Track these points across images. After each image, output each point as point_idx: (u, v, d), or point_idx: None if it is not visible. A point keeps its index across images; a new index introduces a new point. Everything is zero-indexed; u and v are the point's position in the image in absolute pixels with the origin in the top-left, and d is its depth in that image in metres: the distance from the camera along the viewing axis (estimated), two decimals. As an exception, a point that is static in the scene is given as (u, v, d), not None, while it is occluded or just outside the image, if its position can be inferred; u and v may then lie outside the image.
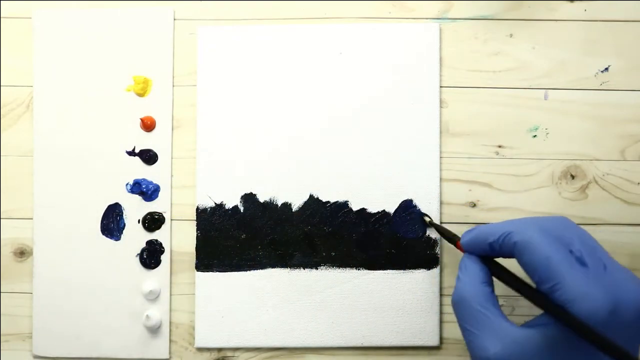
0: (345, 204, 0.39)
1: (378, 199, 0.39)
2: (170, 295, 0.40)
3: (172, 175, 0.40)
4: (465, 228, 0.39)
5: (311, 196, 0.39)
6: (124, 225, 0.40)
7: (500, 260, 0.32)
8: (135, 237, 0.40)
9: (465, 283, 0.31)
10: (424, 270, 0.39)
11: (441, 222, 0.39)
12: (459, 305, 0.31)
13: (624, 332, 0.27)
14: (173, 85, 0.40)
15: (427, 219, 0.38)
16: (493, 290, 0.31)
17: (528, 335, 0.28)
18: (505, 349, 0.28)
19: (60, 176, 0.40)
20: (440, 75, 0.39)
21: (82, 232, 0.40)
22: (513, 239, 0.30)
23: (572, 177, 0.39)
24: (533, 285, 0.29)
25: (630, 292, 0.27)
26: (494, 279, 0.32)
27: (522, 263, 0.29)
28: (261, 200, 0.39)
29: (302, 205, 0.39)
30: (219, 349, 0.39)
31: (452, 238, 0.35)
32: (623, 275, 0.28)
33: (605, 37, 0.39)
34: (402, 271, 0.39)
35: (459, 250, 0.33)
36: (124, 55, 0.40)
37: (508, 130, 0.39)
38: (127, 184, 0.40)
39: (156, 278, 0.39)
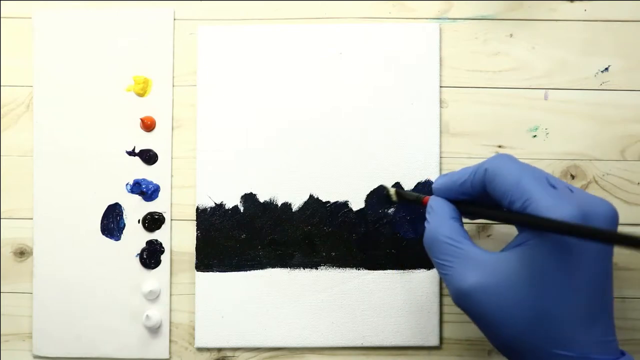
0: (345, 204, 0.39)
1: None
2: (170, 295, 0.40)
3: (172, 175, 0.40)
4: (466, 228, 0.39)
5: (311, 196, 0.39)
6: (124, 225, 0.40)
7: None
8: (135, 237, 0.40)
9: (434, 222, 0.32)
10: (424, 270, 0.39)
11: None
12: (432, 243, 0.31)
13: (597, 245, 0.28)
14: (173, 85, 0.40)
15: (391, 190, 0.37)
16: (462, 225, 0.32)
17: (504, 258, 0.29)
18: (485, 275, 0.29)
19: (60, 176, 0.40)
20: (440, 75, 0.39)
21: (82, 232, 0.40)
22: (484, 166, 0.31)
23: (572, 177, 0.39)
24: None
25: (597, 206, 0.28)
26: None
27: (493, 188, 0.30)
28: (261, 200, 0.39)
29: (302, 205, 0.39)
30: (219, 349, 0.39)
31: (417, 199, 0.35)
32: (589, 197, 0.29)
33: (605, 37, 0.39)
34: (402, 271, 0.39)
35: None
36: (124, 55, 0.40)
37: (508, 130, 0.39)
38: (127, 184, 0.40)
39: (156, 278, 0.39)
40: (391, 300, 0.39)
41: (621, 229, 0.39)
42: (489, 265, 0.29)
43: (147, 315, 0.38)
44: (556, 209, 0.27)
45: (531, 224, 0.28)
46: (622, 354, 0.29)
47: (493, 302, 0.28)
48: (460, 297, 0.30)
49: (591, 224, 0.27)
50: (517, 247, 0.29)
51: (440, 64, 0.39)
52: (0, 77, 0.40)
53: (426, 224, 0.32)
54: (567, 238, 0.27)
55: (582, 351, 0.27)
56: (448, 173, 0.33)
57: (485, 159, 0.31)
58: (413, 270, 0.39)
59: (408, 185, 0.39)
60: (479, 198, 0.32)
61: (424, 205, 0.33)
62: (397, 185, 0.39)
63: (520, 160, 0.39)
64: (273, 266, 0.39)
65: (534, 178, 0.29)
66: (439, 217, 0.32)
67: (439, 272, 0.31)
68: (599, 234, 0.25)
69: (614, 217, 0.29)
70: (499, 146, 0.39)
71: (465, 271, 0.29)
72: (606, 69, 0.39)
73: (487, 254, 0.29)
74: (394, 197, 0.37)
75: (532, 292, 0.27)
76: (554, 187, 0.29)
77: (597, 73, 0.39)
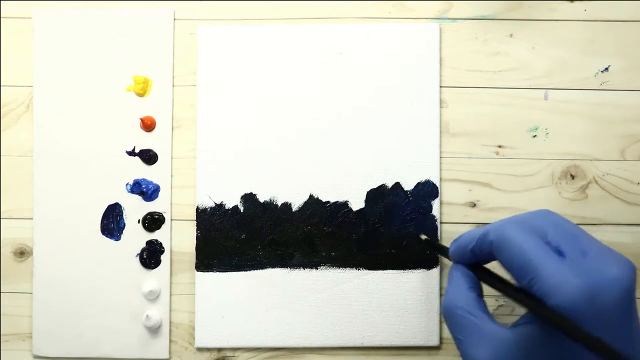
0: (345, 204, 0.39)
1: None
2: (170, 295, 0.40)
3: (172, 175, 0.40)
4: (466, 228, 0.39)
5: (311, 196, 0.39)
6: (124, 225, 0.40)
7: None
8: (135, 237, 0.40)
9: (452, 291, 0.31)
10: (424, 270, 0.39)
11: (441, 222, 0.39)
12: (447, 314, 0.31)
13: (606, 317, 0.26)
14: (173, 85, 0.40)
15: (423, 237, 0.38)
16: (480, 295, 0.31)
17: (515, 335, 0.28)
18: (496, 353, 0.28)
19: (60, 176, 0.40)
20: (440, 75, 0.39)
21: (82, 232, 0.40)
22: (489, 238, 0.29)
23: (572, 177, 0.39)
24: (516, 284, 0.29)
25: (608, 276, 0.26)
26: (485, 286, 0.32)
27: (501, 261, 0.29)
28: (261, 200, 0.39)
29: (302, 205, 0.39)
30: (219, 349, 0.39)
31: (446, 251, 0.35)
32: (603, 259, 0.27)
33: (605, 37, 0.39)
34: (402, 271, 0.39)
35: (435, 251, 0.34)
36: (124, 55, 0.40)
37: (508, 130, 0.39)
38: (127, 184, 0.40)
39: (156, 278, 0.39)
40: (391, 300, 0.39)
41: (621, 228, 0.39)
42: (501, 342, 0.28)
43: (147, 315, 0.38)
44: (561, 289, 0.26)
45: (532, 311, 0.27)
46: None
47: None
48: None
49: (601, 301, 0.26)
50: (529, 325, 0.28)
51: (440, 64, 0.39)
52: (0, 77, 0.40)
53: (445, 292, 0.32)
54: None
55: None
56: (459, 237, 0.32)
57: (491, 223, 0.30)
58: (413, 270, 0.39)
59: (408, 185, 0.39)
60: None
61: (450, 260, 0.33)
62: (396, 185, 0.39)
63: (521, 160, 0.39)
64: (273, 266, 0.39)
65: (539, 249, 0.27)
66: (456, 287, 0.31)
67: (456, 346, 0.30)
68: (594, 344, 0.24)
69: (628, 285, 0.27)
70: (499, 146, 0.39)
71: (476, 346, 0.29)
72: (606, 69, 0.39)
73: (500, 330, 0.28)
74: (422, 241, 0.38)
75: None
76: (561, 253, 0.27)
77: (597, 73, 0.39)
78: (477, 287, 0.31)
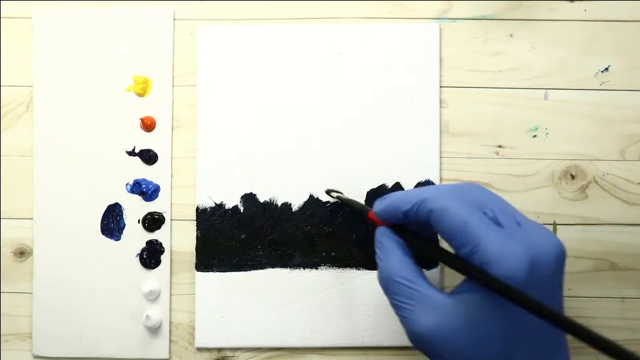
0: (345, 204, 0.39)
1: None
2: (170, 295, 0.40)
3: (172, 175, 0.40)
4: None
5: (311, 196, 0.39)
6: (124, 225, 0.40)
7: None
8: (135, 237, 0.40)
9: (388, 261, 0.31)
10: (424, 270, 0.39)
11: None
12: (386, 286, 0.30)
13: (546, 284, 0.27)
14: (173, 85, 0.40)
15: (333, 194, 0.37)
16: (415, 262, 0.31)
17: (459, 302, 0.28)
18: (440, 320, 0.28)
19: (60, 176, 0.40)
20: (440, 75, 0.39)
21: (82, 232, 0.40)
22: (428, 206, 0.29)
23: (572, 177, 0.39)
24: (452, 251, 0.29)
25: (546, 245, 0.28)
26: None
27: (439, 230, 0.29)
28: (261, 200, 0.39)
29: (302, 205, 0.39)
30: (219, 349, 0.39)
31: (363, 209, 0.34)
32: (537, 230, 0.28)
33: (605, 37, 0.39)
34: (402, 271, 0.39)
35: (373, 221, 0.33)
36: (124, 55, 0.40)
37: (508, 130, 0.39)
38: (127, 184, 0.40)
39: (156, 278, 0.39)
40: (391, 300, 0.39)
41: (621, 228, 0.39)
42: (444, 309, 0.28)
43: (147, 315, 0.38)
44: (504, 258, 0.26)
45: (476, 279, 0.27)
46: None
47: (448, 347, 0.28)
48: (416, 341, 0.29)
49: (541, 269, 0.27)
50: (468, 293, 0.28)
51: (440, 64, 0.39)
52: (0, 77, 0.40)
53: (378, 261, 0.31)
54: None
55: None
56: (389, 196, 0.31)
57: (424, 188, 0.30)
58: (413, 270, 0.39)
59: (408, 185, 0.39)
60: (424, 227, 0.31)
61: (369, 220, 0.32)
62: (396, 185, 0.39)
63: (521, 160, 0.39)
64: (273, 266, 0.39)
65: (479, 220, 0.28)
66: (390, 255, 0.31)
67: (395, 313, 0.30)
68: (536, 307, 0.25)
69: (562, 257, 0.28)
70: (499, 146, 0.39)
71: (421, 315, 0.28)
72: (606, 69, 0.39)
73: (442, 297, 0.29)
74: (336, 199, 0.37)
75: (483, 339, 0.27)
76: (499, 223, 0.28)
77: (597, 73, 0.39)
78: (411, 254, 0.31)
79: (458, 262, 0.28)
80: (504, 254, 0.26)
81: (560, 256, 0.28)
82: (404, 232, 0.31)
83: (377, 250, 0.31)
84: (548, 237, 0.28)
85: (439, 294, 0.29)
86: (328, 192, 0.39)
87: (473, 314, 0.27)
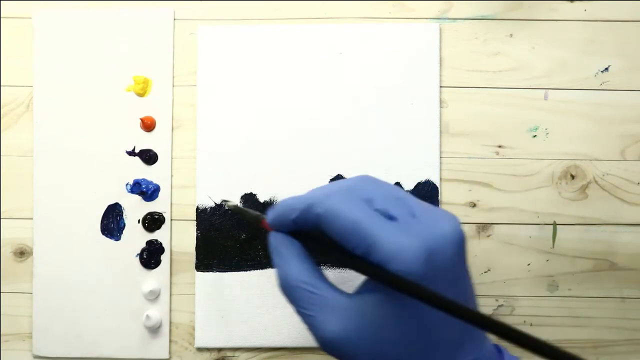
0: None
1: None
2: (170, 295, 0.40)
3: (172, 175, 0.40)
4: (466, 228, 0.39)
5: (311, 196, 0.39)
6: (124, 225, 0.40)
7: None
8: (135, 237, 0.40)
9: (285, 266, 0.29)
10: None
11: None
12: (287, 292, 0.29)
13: (449, 272, 0.26)
14: (173, 85, 0.40)
15: (230, 204, 0.36)
16: (314, 263, 0.29)
17: (362, 303, 0.27)
18: (343, 323, 0.27)
19: (60, 176, 0.40)
20: (440, 75, 0.39)
21: (82, 232, 0.39)
22: (315, 211, 0.28)
23: (572, 177, 0.39)
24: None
25: (442, 233, 0.27)
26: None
27: (331, 233, 0.28)
28: (261, 200, 0.39)
29: (302, 205, 0.39)
30: (219, 349, 0.39)
31: (257, 219, 0.33)
32: (433, 217, 0.28)
33: (605, 37, 0.39)
34: (402, 271, 0.39)
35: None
36: (124, 55, 0.40)
37: (508, 130, 0.39)
38: (127, 184, 0.40)
39: (156, 278, 0.39)
40: (391, 300, 0.38)
41: (621, 228, 0.39)
42: (348, 311, 0.27)
43: (147, 315, 0.38)
44: (399, 254, 0.25)
45: (377, 278, 0.26)
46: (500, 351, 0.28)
47: (356, 349, 0.27)
48: (324, 346, 0.28)
49: (439, 259, 0.26)
50: (371, 293, 0.27)
51: (440, 64, 0.39)
52: (0, 77, 0.40)
53: (276, 268, 0.29)
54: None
55: None
56: (279, 203, 0.30)
57: (313, 190, 0.29)
58: (413, 270, 0.39)
59: (408, 185, 0.39)
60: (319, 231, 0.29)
61: (265, 229, 0.31)
62: (396, 185, 0.39)
63: (521, 160, 0.39)
64: (273, 266, 0.39)
65: (370, 217, 0.27)
66: (286, 260, 0.29)
67: (302, 321, 0.29)
68: (433, 299, 0.24)
69: (460, 241, 0.27)
70: (499, 146, 0.39)
71: (325, 319, 0.27)
72: (606, 69, 0.39)
73: (345, 299, 0.28)
74: (233, 209, 0.37)
75: (388, 339, 0.27)
76: (392, 217, 0.27)
77: (597, 73, 0.39)
78: (308, 257, 0.30)
79: (355, 262, 0.27)
80: (399, 249, 0.26)
81: (458, 240, 0.27)
82: (299, 234, 0.30)
83: (273, 257, 0.30)
84: (444, 223, 0.27)
85: (342, 296, 0.28)
86: (222, 203, 0.38)
87: (377, 314, 0.27)
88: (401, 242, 0.26)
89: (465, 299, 0.28)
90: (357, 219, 0.27)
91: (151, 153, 0.40)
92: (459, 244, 0.27)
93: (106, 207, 0.40)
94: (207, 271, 0.39)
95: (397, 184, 0.39)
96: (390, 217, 0.27)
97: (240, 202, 0.39)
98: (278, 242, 0.30)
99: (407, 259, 0.25)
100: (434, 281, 0.25)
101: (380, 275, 0.26)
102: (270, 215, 0.30)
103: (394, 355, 0.27)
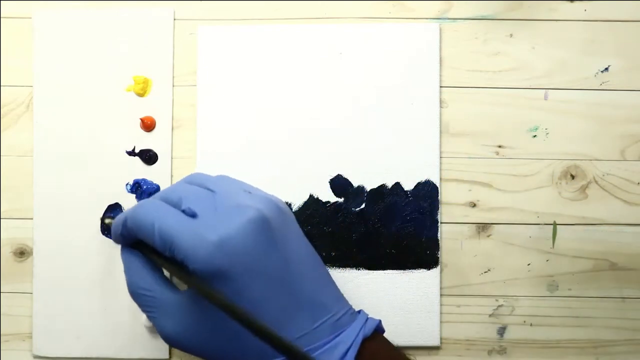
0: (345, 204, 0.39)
1: (378, 199, 0.39)
2: (170, 295, 0.39)
3: (172, 175, 0.40)
4: (466, 228, 0.39)
5: (311, 196, 0.39)
6: (124, 225, 0.40)
7: None
8: (135, 237, 0.39)
9: (128, 274, 0.32)
10: (424, 270, 0.39)
11: (441, 222, 0.39)
12: (133, 298, 0.32)
13: (245, 258, 0.27)
14: (173, 85, 0.40)
15: (107, 221, 0.39)
16: (154, 269, 0.32)
17: (186, 299, 0.29)
18: (175, 321, 0.29)
19: (60, 176, 0.40)
20: (440, 75, 0.39)
21: (82, 232, 0.39)
22: (127, 224, 0.30)
23: (572, 177, 0.39)
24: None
25: (235, 219, 0.28)
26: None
27: (146, 241, 0.30)
28: (261, 200, 0.39)
29: (302, 205, 0.39)
30: (219, 349, 0.39)
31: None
32: (233, 208, 0.29)
33: (605, 37, 0.39)
34: (402, 271, 0.39)
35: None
36: (124, 55, 0.40)
37: (508, 130, 0.39)
38: (127, 184, 0.40)
39: (156, 278, 0.39)
40: (391, 300, 0.39)
41: (621, 228, 0.39)
42: (179, 310, 0.29)
43: (147, 315, 0.38)
44: (195, 250, 0.27)
45: (179, 278, 0.28)
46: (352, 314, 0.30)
47: (190, 344, 0.29)
48: (167, 342, 0.31)
49: (231, 243, 0.27)
50: (191, 291, 0.29)
51: (440, 64, 0.39)
52: (0, 77, 0.40)
53: (125, 277, 0.32)
54: None
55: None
56: (115, 219, 0.32)
57: (139, 205, 0.31)
58: (413, 270, 0.39)
59: (408, 185, 0.39)
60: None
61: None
62: (396, 185, 0.39)
63: (521, 160, 0.39)
64: None
65: (173, 218, 0.28)
66: (131, 269, 0.32)
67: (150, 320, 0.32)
68: (213, 299, 0.25)
69: (258, 220, 0.28)
70: (499, 146, 0.39)
71: (163, 319, 0.30)
72: (606, 69, 0.39)
73: (177, 299, 0.30)
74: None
75: (211, 333, 0.28)
76: (194, 215, 0.29)
77: (597, 73, 0.39)
78: (147, 264, 0.32)
79: (167, 262, 0.29)
80: (194, 245, 0.27)
81: (254, 220, 0.28)
82: (138, 244, 0.32)
83: (124, 266, 0.32)
84: (241, 209, 0.29)
85: (175, 297, 0.30)
86: (103, 219, 0.39)
87: (199, 311, 0.29)
88: (195, 237, 0.27)
89: (288, 271, 0.29)
90: (155, 220, 0.28)
91: (151, 153, 0.40)
92: (256, 223, 0.28)
93: (106, 207, 0.40)
94: (207, 271, 0.39)
95: (397, 184, 0.39)
96: (193, 215, 0.28)
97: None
98: (122, 254, 0.33)
99: (201, 254, 0.27)
100: (232, 267, 0.27)
101: (185, 279, 0.27)
102: (111, 232, 0.33)
103: (216, 348, 0.29)
